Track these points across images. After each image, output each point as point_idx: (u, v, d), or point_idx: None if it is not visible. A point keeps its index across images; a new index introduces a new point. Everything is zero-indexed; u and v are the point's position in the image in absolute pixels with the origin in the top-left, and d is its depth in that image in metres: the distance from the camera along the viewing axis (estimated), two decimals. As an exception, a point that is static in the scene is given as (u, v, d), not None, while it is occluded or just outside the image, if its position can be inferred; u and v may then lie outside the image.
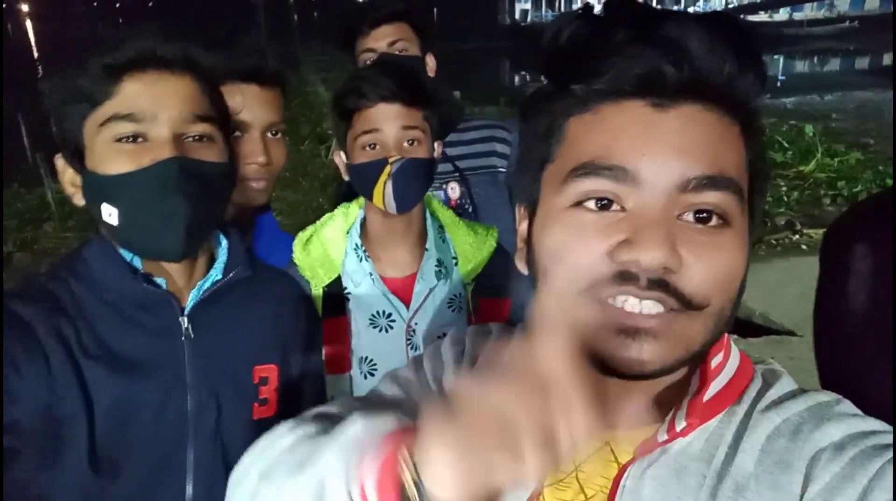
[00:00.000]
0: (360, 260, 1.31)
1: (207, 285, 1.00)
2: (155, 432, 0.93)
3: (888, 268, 0.89)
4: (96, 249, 0.96)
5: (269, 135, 1.31)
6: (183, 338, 0.97)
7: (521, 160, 0.66)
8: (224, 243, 1.06)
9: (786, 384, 0.61)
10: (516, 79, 22.58)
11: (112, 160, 0.88)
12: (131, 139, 0.88)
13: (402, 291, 1.31)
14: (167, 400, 0.94)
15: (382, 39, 1.70)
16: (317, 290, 1.30)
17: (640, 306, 0.53)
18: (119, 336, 0.93)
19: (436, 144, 1.29)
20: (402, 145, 1.21)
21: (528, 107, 0.63)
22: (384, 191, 1.21)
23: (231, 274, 1.02)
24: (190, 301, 0.99)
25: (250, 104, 1.26)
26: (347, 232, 1.35)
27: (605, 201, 0.54)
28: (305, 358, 1.13)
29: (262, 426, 0.71)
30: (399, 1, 1.76)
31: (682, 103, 0.54)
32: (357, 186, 1.28)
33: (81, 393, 0.88)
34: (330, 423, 0.65)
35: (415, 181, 1.23)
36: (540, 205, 0.61)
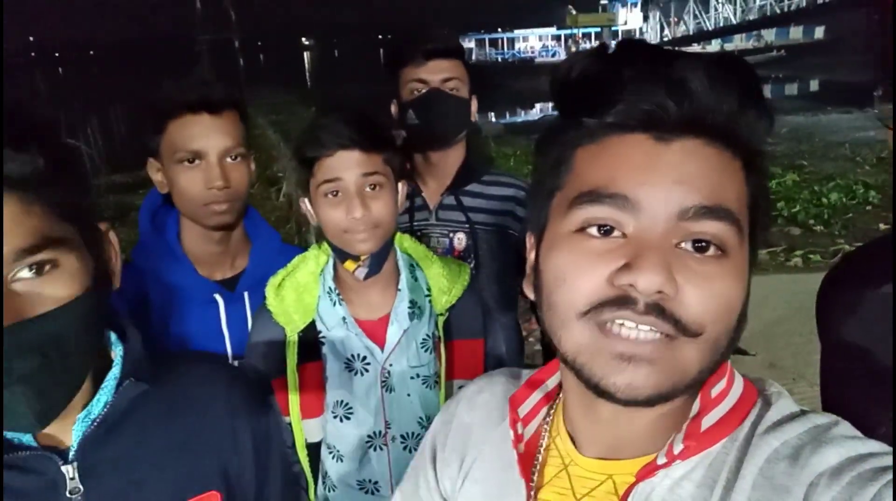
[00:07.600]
0: (334, 304, 1.30)
1: (96, 412, 0.76)
2: None
3: (886, 315, 0.87)
4: None
5: (227, 160, 1.37)
6: (68, 493, 0.73)
7: (532, 191, 0.68)
8: (120, 349, 0.80)
9: (784, 406, 0.60)
10: (464, 115, 22.81)
11: None
12: None
13: (376, 333, 1.31)
14: None
15: (437, 73, 1.63)
16: (292, 336, 1.28)
17: (637, 332, 0.54)
18: None
19: (400, 184, 1.30)
20: (363, 191, 1.22)
21: (542, 139, 0.65)
22: (355, 272, 1.25)
23: (122, 388, 0.77)
24: (74, 441, 0.74)
25: (203, 133, 1.32)
26: (320, 274, 1.34)
27: (607, 228, 0.56)
28: (263, 467, 0.91)
29: None
30: (455, 39, 1.70)
31: (684, 138, 0.55)
32: (330, 245, 1.29)
33: None
34: None
35: (382, 256, 1.27)
36: (546, 231, 0.62)
